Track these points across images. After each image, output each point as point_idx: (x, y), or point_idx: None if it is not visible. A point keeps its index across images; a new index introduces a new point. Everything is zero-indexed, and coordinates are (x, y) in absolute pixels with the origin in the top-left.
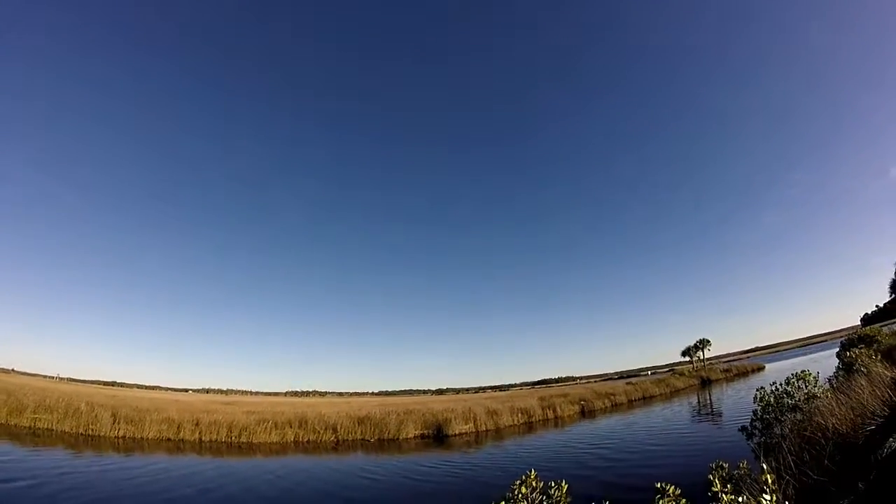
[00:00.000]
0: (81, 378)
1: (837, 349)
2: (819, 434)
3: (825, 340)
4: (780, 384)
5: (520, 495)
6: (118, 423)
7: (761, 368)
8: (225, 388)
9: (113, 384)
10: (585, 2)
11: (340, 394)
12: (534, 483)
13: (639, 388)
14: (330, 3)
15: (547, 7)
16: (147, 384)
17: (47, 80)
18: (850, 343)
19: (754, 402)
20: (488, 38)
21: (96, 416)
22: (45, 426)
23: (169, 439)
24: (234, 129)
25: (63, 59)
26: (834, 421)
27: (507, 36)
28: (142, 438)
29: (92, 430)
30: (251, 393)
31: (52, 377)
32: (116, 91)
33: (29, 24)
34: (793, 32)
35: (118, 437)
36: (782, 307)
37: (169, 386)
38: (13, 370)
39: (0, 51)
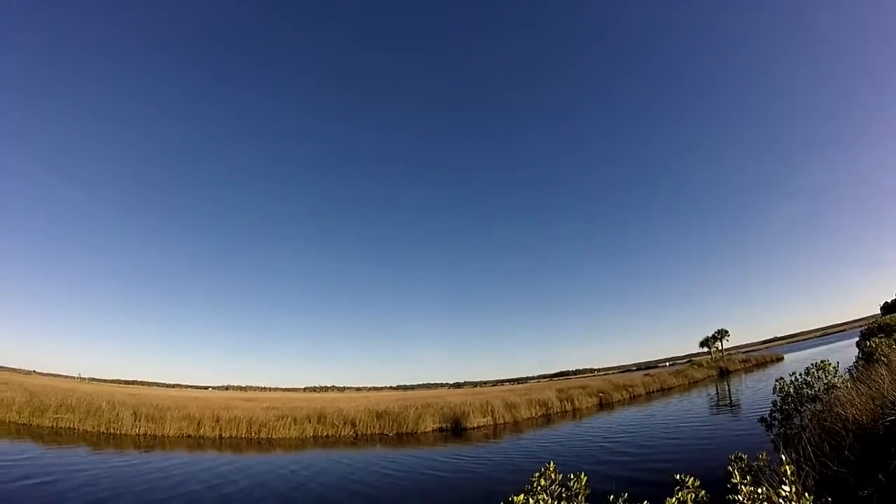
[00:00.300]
0: (103, 378)
1: (857, 339)
2: (839, 425)
3: (844, 330)
4: (800, 374)
5: (538, 487)
6: (139, 421)
7: (780, 359)
8: (244, 385)
9: (134, 383)
10: None
11: (358, 389)
12: (553, 475)
13: (657, 380)
14: None
15: (551, 3)
16: (168, 382)
17: (48, 76)
18: (870, 332)
19: (773, 393)
20: (491, 34)
21: (117, 414)
22: (67, 425)
23: (189, 436)
24: (238, 124)
25: (66, 55)
26: (854, 411)
27: (508, 33)
28: (162, 436)
29: (113, 428)
30: (270, 389)
31: (74, 377)
32: (116, 87)
33: (32, 21)
34: (805, 24)
35: (139, 435)
36: (801, 297)
37: (189, 384)
38: (34, 371)
39: (3, 47)
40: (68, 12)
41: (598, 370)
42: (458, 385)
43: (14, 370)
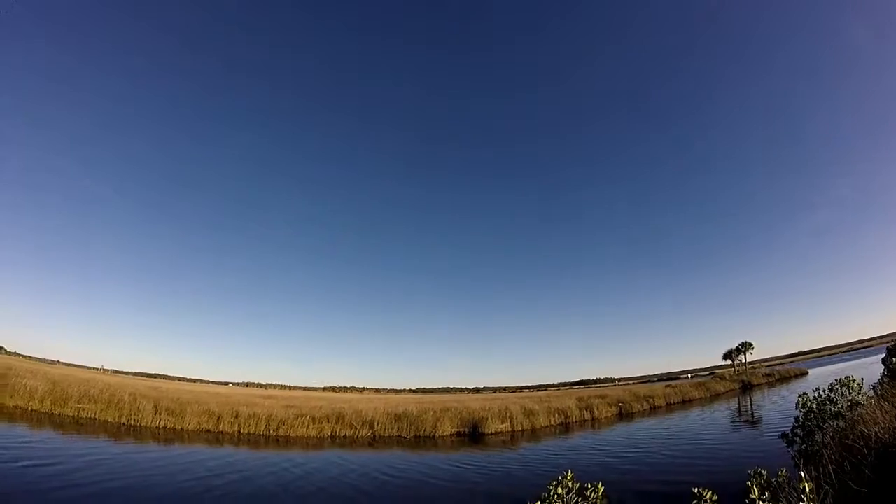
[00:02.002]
0: (125, 370)
1: (883, 355)
2: (861, 443)
3: (871, 346)
4: (823, 390)
5: (555, 496)
6: (159, 414)
7: (804, 374)
8: (264, 383)
9: (156, 376)
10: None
11: (378, 390)
12: (570, 484)
13: (678, 391)
14: None
15: (556, 6)
16: (189, 377)
17: (68, 70)
18: None
19: (796, 409)
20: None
21: (138, 406)
22: (89, 415)
23: (209, 431)
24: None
25: (79, 53)
26: (877, 430)
27: (509, 37)
28: (182, 429)
29: (134, 420)
30: (289, 387)
31: (97, 368)
32: (122, 89)
33: (54, 18)
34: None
35: (159, 428)
36: (828, 310)
37: (210, 379)
38: (58, 361)
39: (25, 45)
40: (86, 5)
41: (619, 380)
42: (477, 390)
43: (39, 360)
